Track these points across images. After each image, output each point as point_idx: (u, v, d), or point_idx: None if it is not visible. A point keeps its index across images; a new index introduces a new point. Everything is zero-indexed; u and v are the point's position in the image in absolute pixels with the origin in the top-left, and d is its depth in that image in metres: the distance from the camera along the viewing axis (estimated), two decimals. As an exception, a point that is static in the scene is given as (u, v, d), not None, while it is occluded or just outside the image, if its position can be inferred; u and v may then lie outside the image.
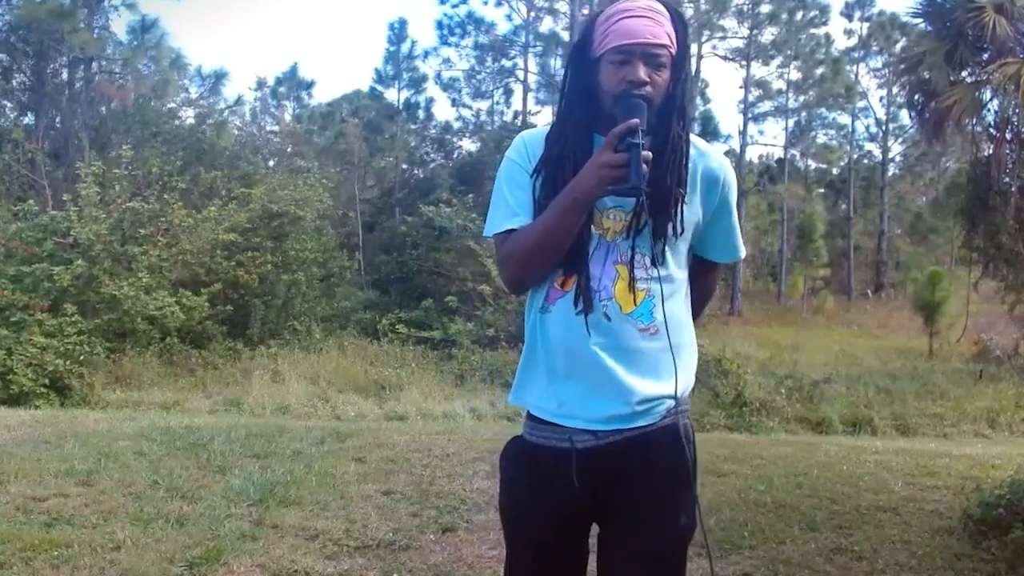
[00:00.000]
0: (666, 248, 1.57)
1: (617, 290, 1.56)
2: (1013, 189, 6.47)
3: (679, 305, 1.63)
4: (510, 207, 1.61)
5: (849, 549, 3.59)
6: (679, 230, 1.58)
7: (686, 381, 1.62)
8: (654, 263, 1.57)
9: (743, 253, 1.77)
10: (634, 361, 1.57)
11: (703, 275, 1.77)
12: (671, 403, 1.60)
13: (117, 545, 3.31)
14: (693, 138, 1.61)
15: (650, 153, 1.43)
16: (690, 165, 1.58)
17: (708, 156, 1.63)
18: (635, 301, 1.56)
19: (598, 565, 1.65)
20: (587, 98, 1.58)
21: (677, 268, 1.62)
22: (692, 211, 1.61)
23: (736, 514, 4.01)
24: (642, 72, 1.50)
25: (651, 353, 1.57)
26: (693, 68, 26.35)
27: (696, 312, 1.73)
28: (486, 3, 29.37)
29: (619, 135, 1.42)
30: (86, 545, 3.27)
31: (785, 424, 9.95)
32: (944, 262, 24.66)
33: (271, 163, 20.73)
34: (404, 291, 17.71)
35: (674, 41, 1.54)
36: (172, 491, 4.16)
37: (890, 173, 29.63)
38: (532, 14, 24.66)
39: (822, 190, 30.75)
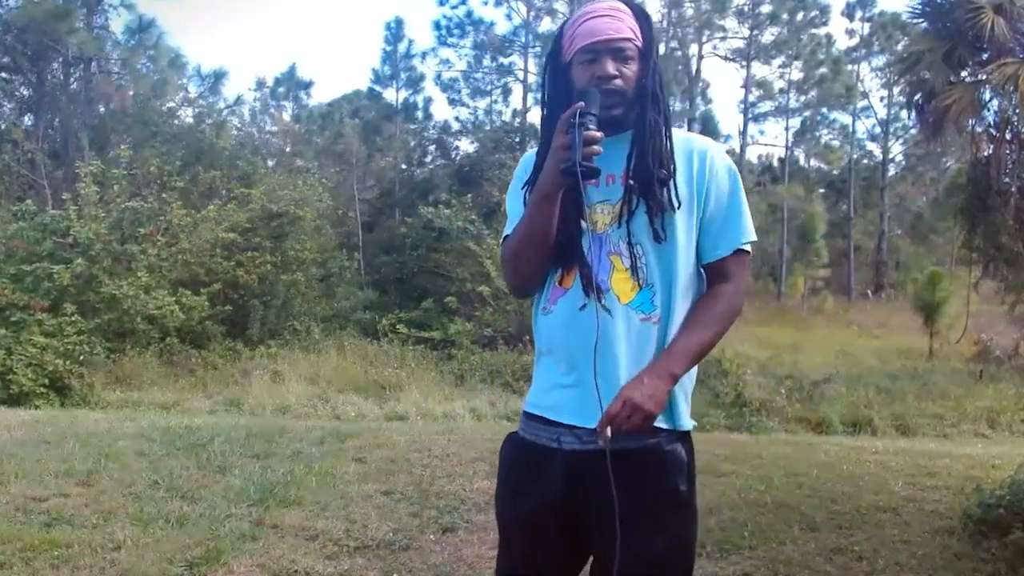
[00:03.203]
0: (666, 225, 1.58)
1: (614, 281, 1.59)
2: (1013, 189, 6.47)
3: (682, 292, 1.60)
4: (510, 219, 1.72)
5: (849, 549, 3.59)
6: (676, 203, 1.59)
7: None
8: (656, 239, 1.58)
9: (748, 237, 1.64)
10: (640, 353, 1.56)
11: (710, 284, 1.66)
12: (666, 419, 1.56)
13: (117, 545, 3.31)
14: (682, 132, 1.68)
15: (597, 133, 1.47)
16: (675, 146, 1.63)
17: (694, 139, 1.69)
18: (632, 290, 1.58)
19: None
20: (566, 103, 1.59)
21: (681, 248, 1.59)
22: (683, 184, 1.62)
23: (736, 514, 4.00)
24: (610, 67, 1.58)
25: (656, 344, 1.57)
26: (694, 69, 26.37)
27: (704, 321, 1.59)
28: (485, 3, 29.36)
29: (566, 119, 1.48)
30: (86, 545, 3.28)
31: (785, 424, 9.94)
32: (944, 262, 24.57)
33: (270, 163, 20.68)
34: (404, 291, 17.68)
35: (638, 35, 1.61)
36: (172, 491, 4.17)
37: (891, 173, 29.55)
38: (531, 14, 24.68)
39: (823, 190, 30.64)
